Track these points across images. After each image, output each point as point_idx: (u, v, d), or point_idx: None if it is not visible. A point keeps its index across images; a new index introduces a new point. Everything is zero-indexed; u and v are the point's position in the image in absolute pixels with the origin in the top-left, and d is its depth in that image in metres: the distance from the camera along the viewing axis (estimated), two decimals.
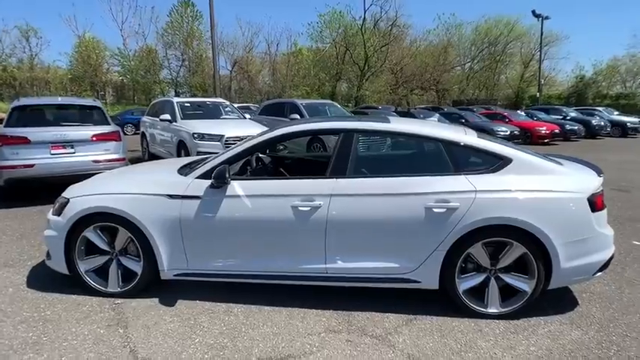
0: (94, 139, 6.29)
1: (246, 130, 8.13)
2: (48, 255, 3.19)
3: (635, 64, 41.60)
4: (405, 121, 3.43)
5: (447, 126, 3.62)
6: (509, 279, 2.80)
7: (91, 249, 3.10)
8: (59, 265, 3.12)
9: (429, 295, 2.93)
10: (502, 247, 2.76)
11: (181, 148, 8.20)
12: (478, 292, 2.84)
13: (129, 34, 37.18)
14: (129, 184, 3.10)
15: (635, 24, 71.83)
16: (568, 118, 19.51)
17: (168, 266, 2.97)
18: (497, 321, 2.76)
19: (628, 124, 20.17)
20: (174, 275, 3.01)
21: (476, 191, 2.70)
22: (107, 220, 2.98)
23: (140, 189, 2.99)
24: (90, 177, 6.09)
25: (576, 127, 17.32)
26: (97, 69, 36.13)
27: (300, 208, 2.79)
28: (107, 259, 3.08)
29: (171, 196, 2.92)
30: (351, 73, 38.92)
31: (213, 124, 8.39)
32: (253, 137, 3.13)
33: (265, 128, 8.46)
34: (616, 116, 21.64)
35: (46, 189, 6.30)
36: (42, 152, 5.94)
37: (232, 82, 38.64)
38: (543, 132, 15.60)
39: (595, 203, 2.75)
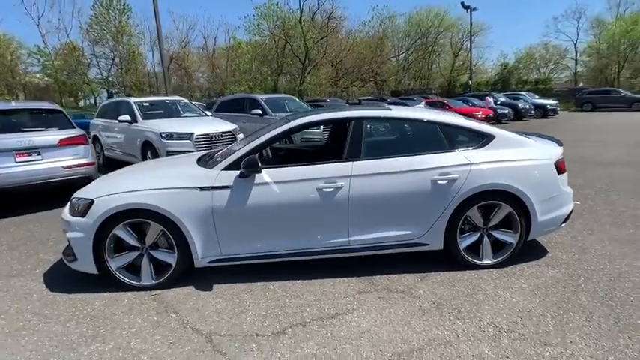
0: (62, 143, 6.03)
1: (213, 127, 8.18)
2: (71, 257, 3.22)
3: (547, 52, 46.77)
4: (404, 109, 3.89)
5: (439, 111, 4.16)
6: (499, 234, 3.40)
7: (119, 246, 3.20)
8: (87, 266, 3.17)
9: (434, 255, 3.44)
10: (492, 209, 3.34)
11: (147, 149, 8.02)
12: (474, 248, 3.41)
13: (48, 29, 34.07)
14: (155, 181, 3.21)
15: (547, 15, 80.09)
16: (498, 102, 21.62)
17: (202, 254, 3.17)
18: (491, 270, 3.35)
19: (548, 106, 22.87)
20: (208, 262, 3.21)
21: (471, 164, 3.24)
22: (137, 216, 3.09)
23: (169, 184, 3.13)
24: (61, 185, 5.96)
25: (506, 111, 19.31)
26: (12, 69, 32.62)
27: (325, 190, 3.15)
28: (137, 254, 3.19)
29: (202, 189, 3.11)
30: (292, 67, 39.19)
31: (179, 122, 8.30)
32: (271, 129, 3.39)
33: (233, 125, 8.61)
34: (537, 100, 24.38)
35: (11, 200, 5.98)
36: (6, 161, 5.58)
37: (169, 79, 36.98)
38: (479, 116, 17.14)
39: (559, 168, 3.43)
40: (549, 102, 23.90)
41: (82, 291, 3.21)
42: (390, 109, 3.57)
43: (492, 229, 3.39)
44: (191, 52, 39.09)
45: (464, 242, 3.37)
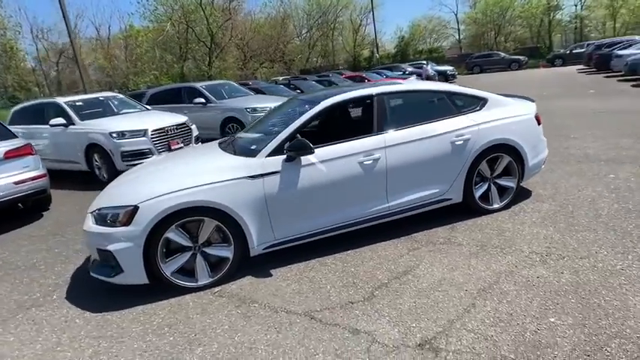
0: (8, 156, 5.23)
1: (165, 120, 7.65)
2: (114, 270, 2.97)
3: (431, 23, 51.25)
4: (414, 82, 4.26)
5: (441, 82, 4.57)
6: (502, 182, 3.98)
7: (167, 250, 3.05)
8: (136, 277, 2.97)
9: (451, 208, 3.90)
10: (496, 160, 3.90)
11: (93, 152, 7.24)
12: (485, 197, 3.95)
13: None
14: (199, 177, 3.05)
15: None
16: (407, 72, 23.32)
17: (257, 242, 3.18)
18: (501, 212, 3.93)
19: (448, 72, 25.46)
20: (264, 249, 3.24)
21: (478, 124, 3.73)
22: (192, 215, 2.97)
23: (218, 177, 3.04)
24: (13, 203, 5.17)
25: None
26: None
27: (365, 163, 3.37)
28: (190, 254, 3.08)
29: (252, 177, 3.10)
30: (198, 52, 37.10)
31: (126, 119, 7.59)
32: (306, 111, 3.45)
33: (183, 116, 8.13)
34: (438, 67, 26.88)
35: None
36: None
37: (61, 75, 32.27)
38: None
39: (538, 120, 4.10)
40: (448, 68, 26.67)
41: (131, 305, 2.99)
42: (402, 84, 3.87)
43: (496, 177, 3.96)
44: (83, 44, 34.33)
45: (478, 192, 3.88)
